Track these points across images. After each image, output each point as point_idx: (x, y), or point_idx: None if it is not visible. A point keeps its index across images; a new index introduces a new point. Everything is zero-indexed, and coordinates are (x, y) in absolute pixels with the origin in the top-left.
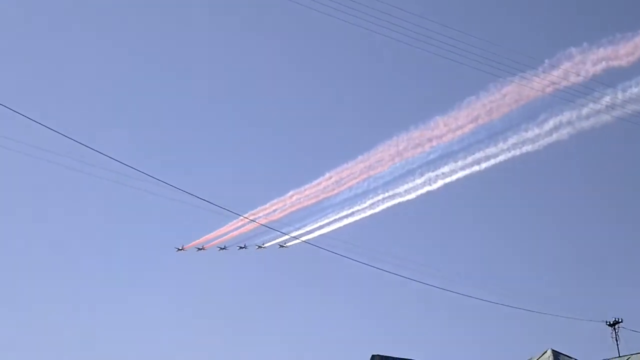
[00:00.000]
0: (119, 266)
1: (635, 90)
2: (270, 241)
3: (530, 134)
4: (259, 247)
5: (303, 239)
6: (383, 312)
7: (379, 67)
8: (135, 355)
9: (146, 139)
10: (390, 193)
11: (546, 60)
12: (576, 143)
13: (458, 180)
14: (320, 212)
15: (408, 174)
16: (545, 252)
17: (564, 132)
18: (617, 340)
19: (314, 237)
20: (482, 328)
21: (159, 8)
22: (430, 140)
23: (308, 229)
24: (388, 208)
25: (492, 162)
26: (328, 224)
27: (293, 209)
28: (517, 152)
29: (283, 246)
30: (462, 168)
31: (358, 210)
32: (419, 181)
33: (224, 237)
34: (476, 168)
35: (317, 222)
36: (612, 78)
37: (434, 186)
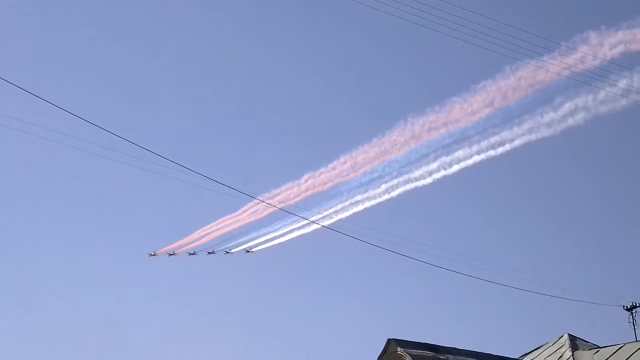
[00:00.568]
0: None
1: None
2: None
3: (546, 119)
4: (227, 252)
5: (323, 223)
6: (399, 296)
7: (395, 49)
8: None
9: (157, 121)
10: (406, 177)
11: (563, 43)
12: (592, 128)
13: (475, 164)
14: (336, 196)
15: (424, 157)
16: (561, 237)
17: (580, 117)
18: (634, 325)
19: (333, 222)
20: (498, 312)
21: None
22: (445, 124)
23: (325, 213)
24: (404, 192)
25: (508, 147)
26: (344, 209)
27: (308, 193)
28: (534, 136)
29: (249, 251)
30: (478, 152)
31: (374, 195)
32: (434, 165)
33: (237, 224)
34: (492, 152)
35: (333, 207)
36: (630, 62)
37: (450, 170)
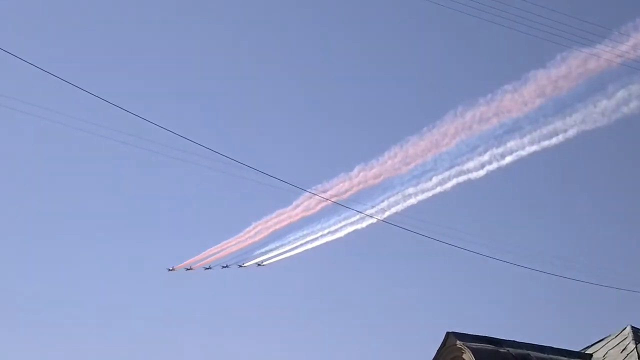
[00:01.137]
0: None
1: None
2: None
3: (599, 108)
4: (240, 266)
5: (379, 217)
6: (456, 290)
7: (445, 38)
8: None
9: (206, 115)
10: (458, 169)
11: (615, 30)
12: None
13: (528, 155)
14: (389, 189)
15: (476, 149)
16: (622, 228)
17: (634, 106)
18: None
19: (389, 216)
20: (559, 305)
21: None
22: (497, 114)
23: (379, 207)
24: (457, 184)
25: (561, 137)
26: (397, 202)
27: (360, 187)
28: (587, 126)
29: (261, 265)
30: (531, 143)
31: (426, 188)
32: (486, 157)
33: (295, 217)
34: (545, 143)
35: (385, 200)
36: None
37: (503, 162)
